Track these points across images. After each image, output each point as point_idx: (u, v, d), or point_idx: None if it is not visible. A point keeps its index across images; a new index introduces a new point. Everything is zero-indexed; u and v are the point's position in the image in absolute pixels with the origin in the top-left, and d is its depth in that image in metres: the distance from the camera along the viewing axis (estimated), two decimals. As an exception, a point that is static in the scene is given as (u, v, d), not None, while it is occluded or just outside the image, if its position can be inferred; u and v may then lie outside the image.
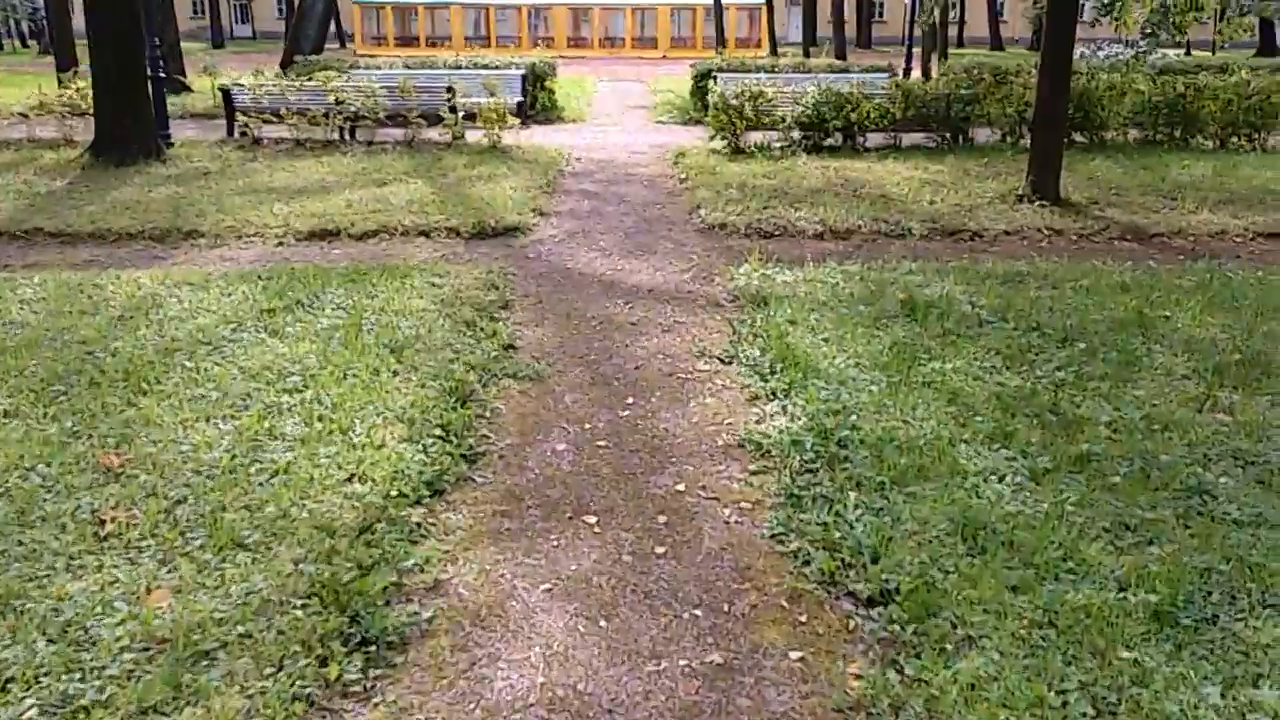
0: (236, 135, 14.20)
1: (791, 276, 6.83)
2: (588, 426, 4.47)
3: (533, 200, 9.87)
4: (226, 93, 14.53)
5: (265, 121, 13.72)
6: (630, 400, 4.78)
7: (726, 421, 4.48)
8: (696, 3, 36.69)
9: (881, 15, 53.25)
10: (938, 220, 8.88)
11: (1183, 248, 8.22)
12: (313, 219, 8.90)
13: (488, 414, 4.56)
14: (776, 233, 8.68)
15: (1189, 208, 9.39)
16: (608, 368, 5.28)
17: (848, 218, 8.93)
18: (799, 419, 4.30)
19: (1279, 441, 3.92)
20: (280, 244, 8.33)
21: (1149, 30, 14.59)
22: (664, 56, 36.86)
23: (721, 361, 5.32)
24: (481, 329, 5.68)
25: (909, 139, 13.52)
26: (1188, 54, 31.85)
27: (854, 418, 4.21)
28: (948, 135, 13.53)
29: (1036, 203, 9.55)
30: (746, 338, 5.58)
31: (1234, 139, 13.49)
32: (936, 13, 24.28)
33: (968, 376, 4.72)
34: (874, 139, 13.35)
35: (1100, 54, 19.09)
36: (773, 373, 4.92)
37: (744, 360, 5.23)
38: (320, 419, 4.24)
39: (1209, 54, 31.32)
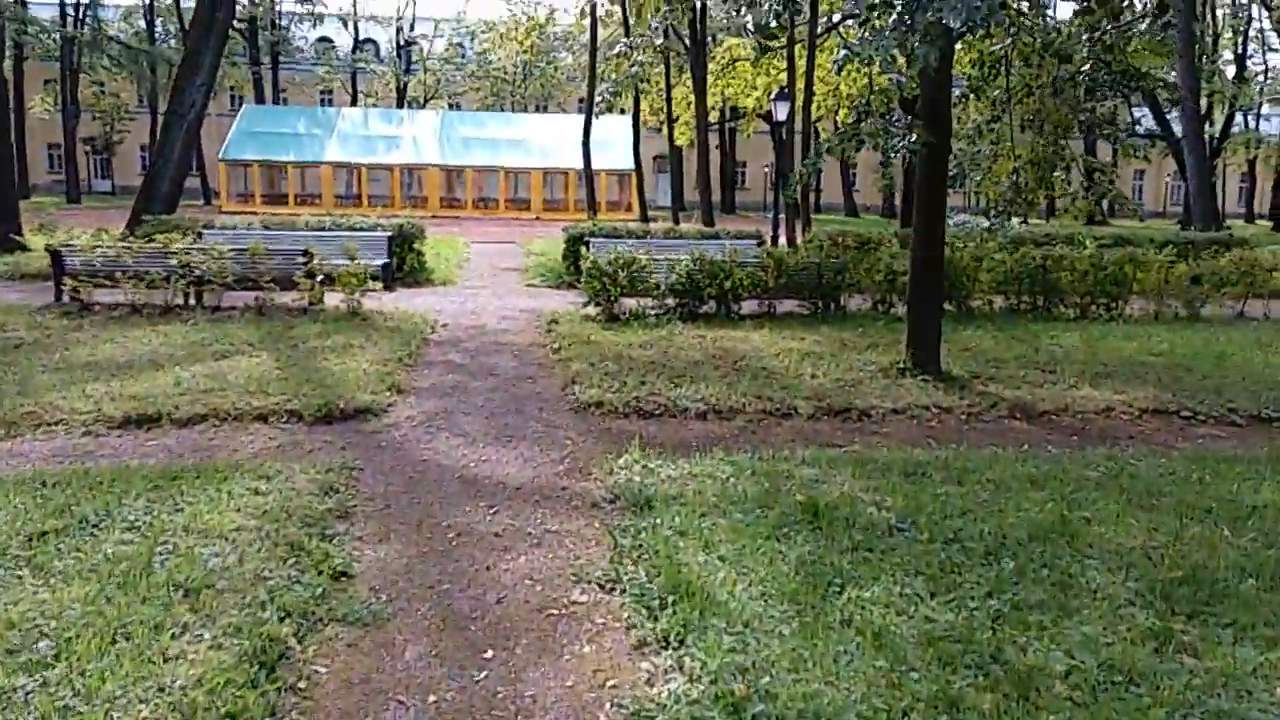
0: (66, 300, 12.89)
1: (677, 470, 6.12)
2: (433, 699, 3.50)
3: (390, 375, 8.99)
4: (56, 254, 13.26)
5: (98, 285, 12.52)
6: (489, 654, 3.85)
7: (609, 684, 3.60)
8: (568, 167, 37.42)
9: (744, 182, 55.88)
10: (823, 398, 8.44)
11: (1073, 427, 7.98)
12: (131, 402, 7.74)
13: (303, 683, 3.55)
14: (657, 412, 8.04)
15: (1069, 382, 9.28)
16: (464, 601, 4.35)
17: (731, 395, 8.39)
18: (699, 679, 3.47)
19: (1262, 698, 3.32)
20: (88, 433, 7.12)
21: (1000, 207, 15.24)
22: (537, 219, 37.17)
23: (601, 588, 4.47)
24: (308, 553, 4.67)
25: (782, 306, 13.40)
26: (1024, 223, 34.04)
27: (766, 678, 3.41)
28: (820, 303, 13.47)
29: (919, 377, 9.29)
30: (630, 554, 4.77)
31: (1093, 308, 13.91)
32: (799, 187, 25.16)
33: (890, 609, 4.02)
34: (748, 306, 13.15)
35: (951, 223, 19.97)
36: (663, 607, 4.10)
37: (628, 587, 4.40)
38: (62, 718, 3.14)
39: (1042, 222, 33.62)
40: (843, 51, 8.54)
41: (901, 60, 8.30)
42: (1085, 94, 9.26)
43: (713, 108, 35.89)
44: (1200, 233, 22.98)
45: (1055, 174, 10.61)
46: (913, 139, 8.72)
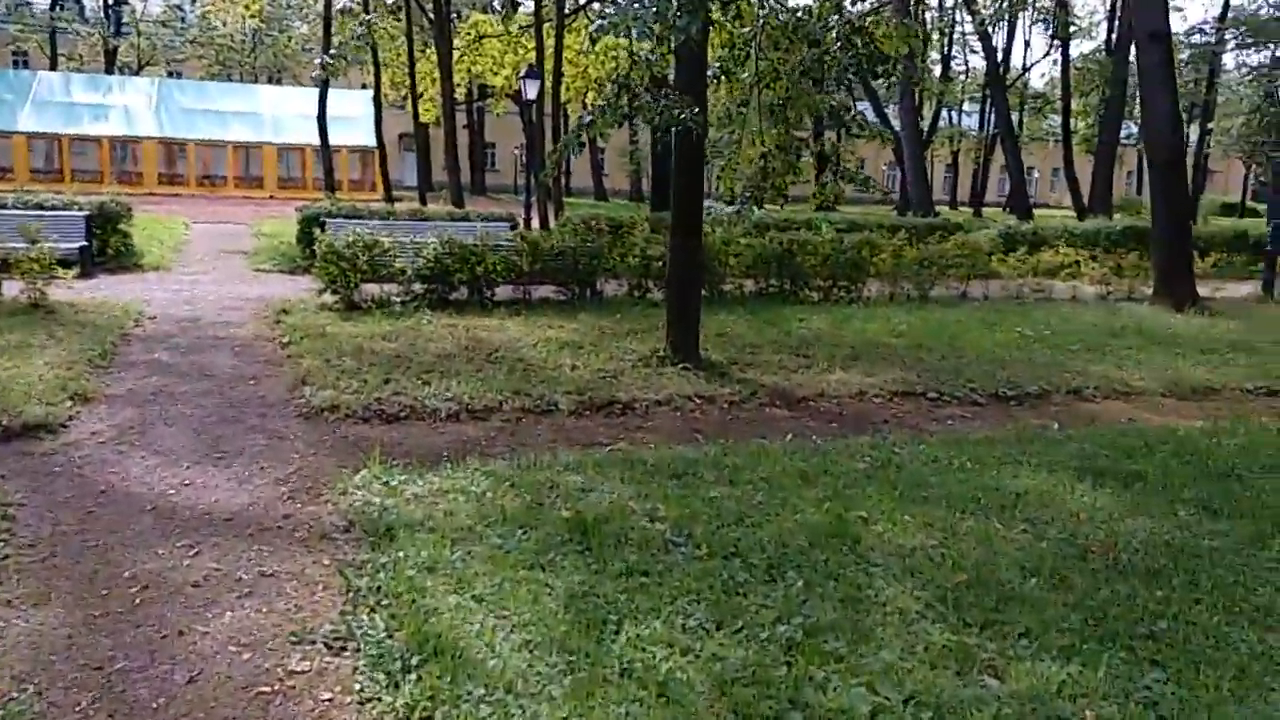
0: None
1: (425, 486, 5.34)
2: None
3: (74, 380, 7.50)
4: None
5: None
6: (172, 765, 2.96)
7: (336, 791, 2.83)
8: (305, 143, 34.74)
9: (494, 164, 54.75)
10: (584, 391, 7.92)
11: (831, 412, 7.96)
12: None
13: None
14: (403, 415, 7.17)
15: (822, 366, 9.33)
16: (142, 686, 3.38)
17: (486, 392, 7.68)
18: (451, 772, 2.78)
19: (1071, 723, 3.10)
20: None
21: (749, 193, 15.46)
22: (271, 198, 34.25)
23: (329, 649, 3.65)
24: (-81, 638, 3.51)
25: (538, 292, 12.80)
26: (761, 208, 35.36)
27: (535, 762, 2.78)
28: (577, 289, 13.00)
29: (679, 365, 8.99)
30: (367, 600, 3.97)
31: (835, 290, 14.37)
32: (554, 168, 24.66)
33: (674, 649, 3.50)
34: (502, 292, 12.43)
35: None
36: (406, 671, 3.35)
37: (364, 645, 3.60)
38: None
39: (777, 208, 35.15)
40: (599, 22, 8.00)
41: (658, 31, 7.92)
42: (835, 80, 9.30)
43: (460, 85, 34.57)
44: (920, 218, 24.78)
45: (802, 159, 10.68)
46: (682, 114, 8.34)
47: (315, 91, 28.87)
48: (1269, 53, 46.88)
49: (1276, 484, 5.84)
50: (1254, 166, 59.40)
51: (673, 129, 8.80)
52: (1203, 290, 14.78)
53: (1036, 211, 38.51)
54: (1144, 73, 14.60)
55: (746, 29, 10.16)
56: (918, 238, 17.60)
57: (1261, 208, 63.99)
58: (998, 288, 15.50)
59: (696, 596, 3.96)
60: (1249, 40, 44.26)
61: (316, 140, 28.21)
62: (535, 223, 20.62)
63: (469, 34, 31.59)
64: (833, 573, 4.22)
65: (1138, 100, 32.26)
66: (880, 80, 10.96)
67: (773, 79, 10.68)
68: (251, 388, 7.94)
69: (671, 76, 9.95)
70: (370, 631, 3.68)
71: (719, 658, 3.45)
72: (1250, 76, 49.81)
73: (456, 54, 29.68)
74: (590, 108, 12.46)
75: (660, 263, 11.95)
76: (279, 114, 37.51)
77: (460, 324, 10.54)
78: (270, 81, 51.29)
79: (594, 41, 8.18)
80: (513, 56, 30.45)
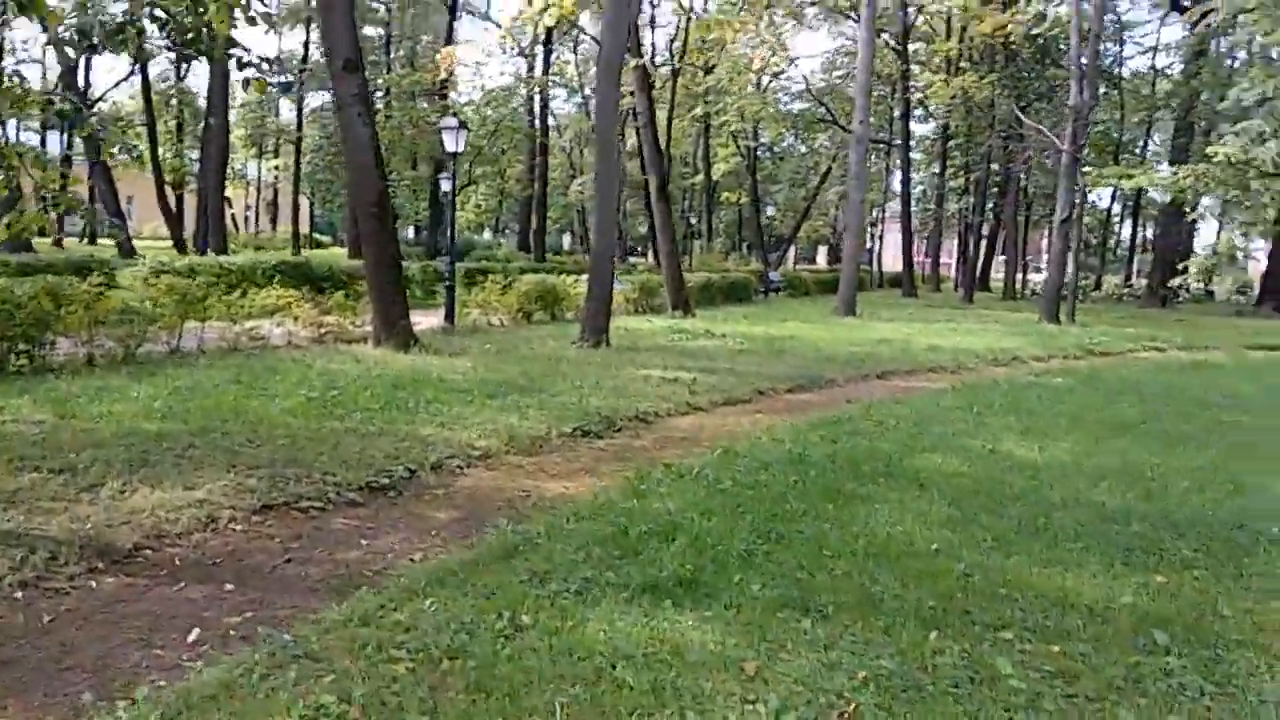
0: None
1: None
2: None
3: None
4: None
5: None
6: None
7: None
8: None
9: None
10: None
11: (196, 565, 5.34)
12: None
13: None
14: None
15: (116, 485, 6.34)
16: None
17: None
18: None
19: None
20: None
21: None
22: None
23: None
24: None
25: None
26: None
27: None
28: None
29: None
30: None
31: (15, 357, 10.43)
32: None
33: None
34: None
35: None
36: None
37: None
38: None
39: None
40: None
41: None
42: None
43: None
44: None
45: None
46: None
47: None
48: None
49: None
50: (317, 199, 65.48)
51: None
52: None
53: (137, 243, 35.32)
54: (342, 105, 14.02)
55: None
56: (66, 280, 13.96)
57: (326, 238, 70.81)
58: (214, 336, 13.27)
59: None
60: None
61: None
62: None
63: None
64: None
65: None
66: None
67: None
68: None
69: None
70: None
71: None
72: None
73: None
74: None
75: None
76: None
77: None
78: None
79: None
80: None
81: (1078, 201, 29.88)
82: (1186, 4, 41.18)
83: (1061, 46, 37.38)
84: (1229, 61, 41.94)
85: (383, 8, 48.82)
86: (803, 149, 61.56)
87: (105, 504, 6.02)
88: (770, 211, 65.83)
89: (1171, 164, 37.25)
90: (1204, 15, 29.95)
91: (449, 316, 17.65)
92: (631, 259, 56.10)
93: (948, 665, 4.17)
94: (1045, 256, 60.70)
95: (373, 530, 6.09)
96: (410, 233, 58.87)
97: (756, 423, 10.18)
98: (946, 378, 14.65)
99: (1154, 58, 50.11)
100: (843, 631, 4.48)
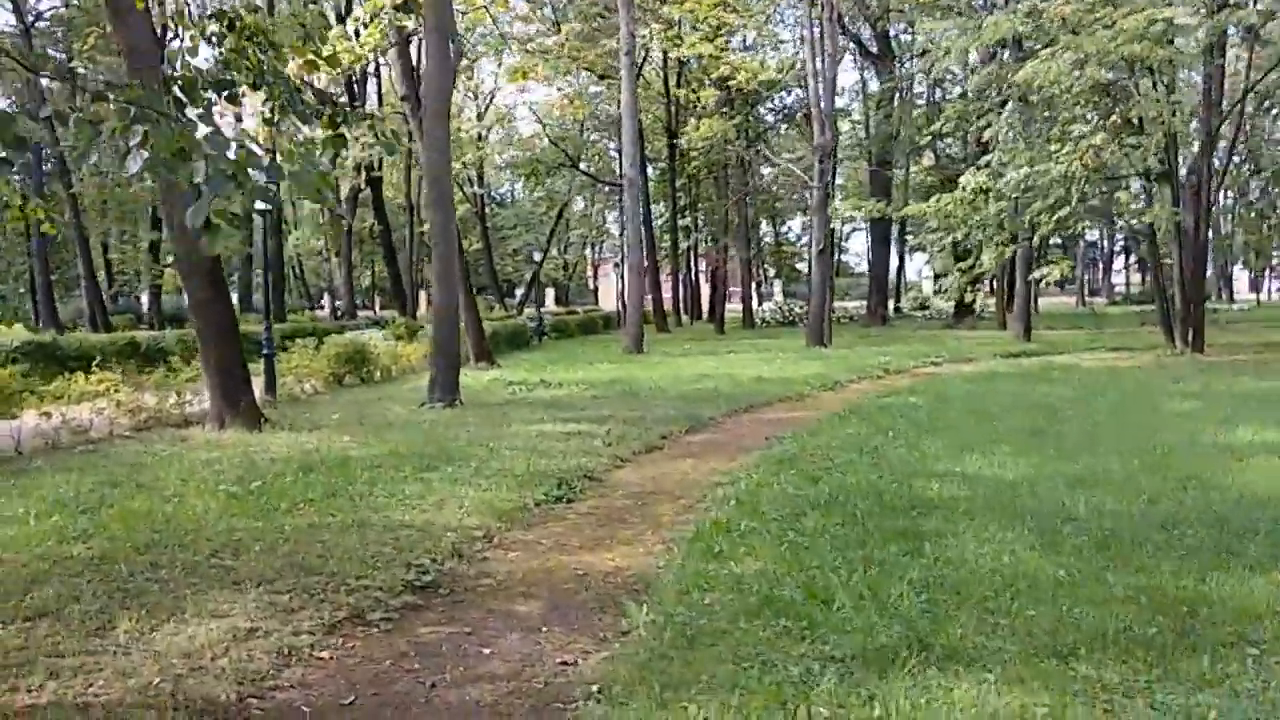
0: None
1: None
2: None
3: None
4: None
5: None
6: None
7: None
8: None
9: None
10: None
11: None
12: None
13: None
14: None
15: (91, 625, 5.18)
16: None
17: None
18: None
19: None
20: None
21: None
22: None
23: None
24: None
25: None
26: None
27: None
28: None
29: None
30: None
31: None
32: None
33: None
34: None
35: None
36: None
37: None
38: None
39: None
40: None
41: None
42: None
43: None
44: None
45: None
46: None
47: None
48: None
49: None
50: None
51: None
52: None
53: None
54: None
55: None
56: None
57: None
58: (30, 432, 11.14)
59: None
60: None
61: None
62: None
63: None
64: None
65: None
66: None
67: None
68: None
69: None
70: None
71: None
72: None
73: None
74: None
75: None
76: None
77: None
78: None
79: None
80: None
81: (830, 232, 32.57)
82: (875, 54, 46.76)
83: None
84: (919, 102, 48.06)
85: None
86: (536, 194, 62.47)
87: (139, 649, 4.91)
88: (499, 255, 66.04)
89: (872, 195, 41.81)
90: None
91: (269, 388, 16.00)
92: (362, 313, 53.78)
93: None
94: (775, 286, 65.72)
95: (471, 635, 5.40)
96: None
97: (697, 468, 10.12)
98: (803, 408, 15.31)
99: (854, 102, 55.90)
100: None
